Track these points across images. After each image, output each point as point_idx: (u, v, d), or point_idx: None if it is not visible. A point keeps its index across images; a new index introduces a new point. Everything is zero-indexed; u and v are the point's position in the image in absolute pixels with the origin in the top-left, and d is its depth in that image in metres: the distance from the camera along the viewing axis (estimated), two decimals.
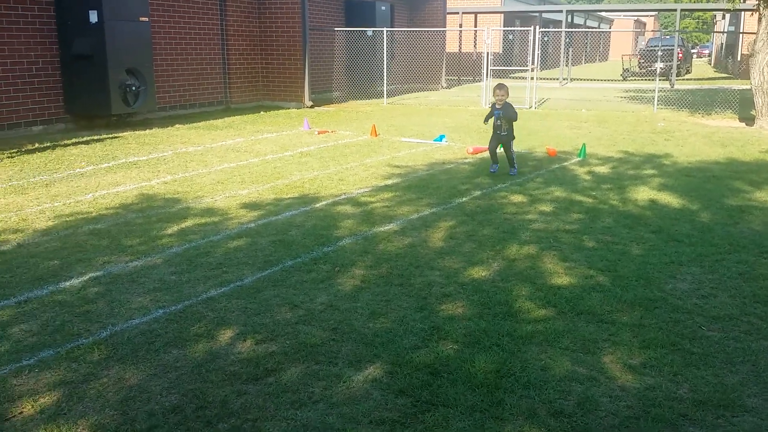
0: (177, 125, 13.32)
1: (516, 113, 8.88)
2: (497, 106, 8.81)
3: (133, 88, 12.61)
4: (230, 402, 3.28)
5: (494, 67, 19.64)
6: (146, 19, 12.81)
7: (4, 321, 4.19)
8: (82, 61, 12.06)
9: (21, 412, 3.18)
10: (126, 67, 12.41)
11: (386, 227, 6.30)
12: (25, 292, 4.66)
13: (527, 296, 4.62)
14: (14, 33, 11.35)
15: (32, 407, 3.22)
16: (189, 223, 6.43)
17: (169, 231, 6.16)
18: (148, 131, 12.40)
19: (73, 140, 11.09)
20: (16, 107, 11.55)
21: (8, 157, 9.53)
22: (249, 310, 4.38)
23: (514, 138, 8.99)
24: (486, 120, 9.04)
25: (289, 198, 7.45)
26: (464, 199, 7.47)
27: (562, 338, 3.98)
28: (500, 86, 8.75)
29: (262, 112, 16.17)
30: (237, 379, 3.49)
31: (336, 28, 20.18)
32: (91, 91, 12.15)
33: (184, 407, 3.23)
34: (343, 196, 7.54)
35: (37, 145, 10.47)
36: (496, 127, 8.89)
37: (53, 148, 10.39)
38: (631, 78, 31.94)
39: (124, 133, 11.98)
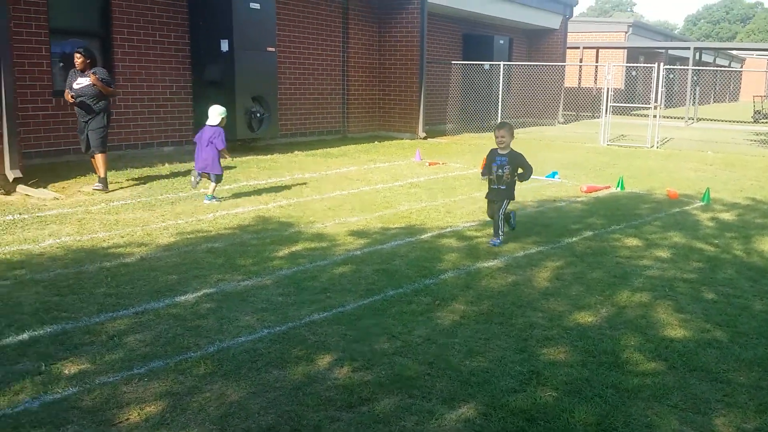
0: (296, 152, 13.82)
1: (530, 166, 6.89)
2: (499, 152, 6.85)
3: (258, 114, 13.26)
4: (323, 427, 3.32)
5: (615, 104, 19.07)
6: (273, 49, 13.45)
7: (121, 330, 4.47)
8: (212, 87, 12.81)
9: (128, 419, 3.36)
10: (252, 94, 13.06)
11: (490, 263, 6.22)
12: (143, 304, 4.96)
13: (636, 347, 4.40)
14: (151, 58, 12.24)
15: (138, 415, 3.40)
16: (299, 246, 6.63)
17: (280, 253, 6.37)
18: (269, 156, 12.94)
19: None
20: (149, 128, 12.41)
21: (140, 175, 10.21)
22: (348, 336, 4.44)
23: (513, 199, 6.98)
24: (484, 173, 6.99)
25: (395, 228, 7.52)
26: (574, 239, 7.25)
27: (671, 395, 3.75)
28: (502, 125, 6.93)
29: (376, 142, 16.49)
30: (332, 405, 3.54)
31: (453, 61, 20.35)
32: None
33: (280, 428, 3.30)
34: (448, 229, 7.52)
35: (166, 164, 11.17)
36: (493, 181, 6.86)
37: (181, 168, 11.05)
38: (762, 120, 30.05)
39: (247, 158, 12.57)
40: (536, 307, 5.09)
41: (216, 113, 8.75)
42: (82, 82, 8.94)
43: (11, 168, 8.90)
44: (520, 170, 6.88)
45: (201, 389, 3.68)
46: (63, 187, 9.09)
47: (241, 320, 4.69)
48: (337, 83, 16.90)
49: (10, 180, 8.88)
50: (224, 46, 12.56)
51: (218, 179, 8.69)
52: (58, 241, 6.57)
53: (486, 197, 7.04)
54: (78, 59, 8.96)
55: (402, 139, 17.61)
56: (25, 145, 9.91)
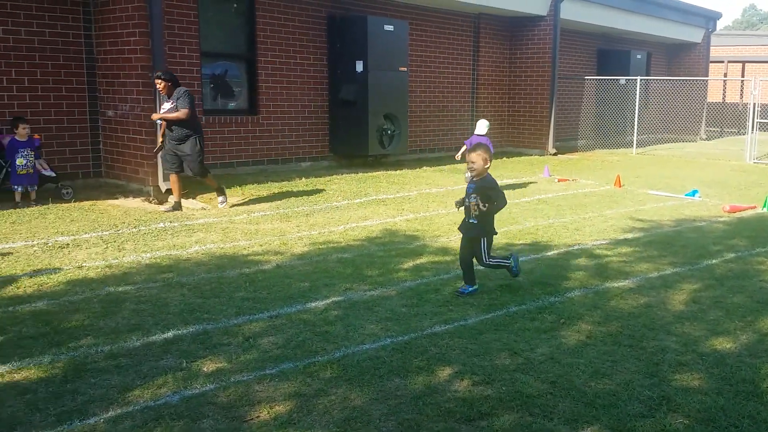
0: (425, 167, 14.01)
1: (502, 198, 5.59)
2: (473, 178, 5.70)
3: (389, 132, 13.62)
4: None
5: (762, 120, 17.76)
6: (405, 69, 13.77)
7: (256, 332, 4.75)
8: (347, 106, 13.31)
9: (258, 416, 3.58)
10: (384, 112, 13.45)
11: (620, 283, 6.01)
12: (277, 308, 5.24)
13: None
14: (292, 79, 12.90)
15: (268, 413, 3.61)
16: (424, 260, 6.73)
17: (405, 266, 6.50)
18: (398, 171, 13.21)
19: (334, 176, 12.20)
20: (289, 144, 13.06)
21: (278, 188, 10.77)
22: (469, 350, 4.46)
23: (490, 235, 5.67)
24: (458, 203, 5.85)
25: (520, 244, 7.45)
26: (714, 261, 6.85)
27: None
28: (475, 146, 5.64)
29: (504, 158, 16.36)
30: (451, 417, 3.58)
31: (586, 77, 19.81)
32: (353, 133, 13.35)
33: None
34: (576, 247, 7.34)
35: (303, 179, 11.71)
36: (467, 212, 5.73)
37: (316, 182, 11.53)
38: None
39: (378, 173, 12.90)
40: (670, 331, 4.86)
41: (484, 125, 10.24)
42: (166, 107, 8.86)
43: (164, 179, 9.69)
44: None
45: (327, 392, 3.85)
46: (210, 199, 9.76)
47: (366, 328, 4.85)
48: (466, 100, 16.96)
49: (163, 191, 9.67)
50: (359, 66, 13.02)
51: None
52: (203, 248, 7.08)
53: (459, 228, 5.95)
54: (159, 85, 8.83)
55: (531, 155, 17.35)
56: None
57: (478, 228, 5.58)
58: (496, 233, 5.79)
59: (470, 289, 5.62)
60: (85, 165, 10.62)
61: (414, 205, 9.80)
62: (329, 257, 6.79)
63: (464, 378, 4.05)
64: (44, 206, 8.86)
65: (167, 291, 5.63)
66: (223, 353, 4.37)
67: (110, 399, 3.72)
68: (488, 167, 5.58)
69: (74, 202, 9.21)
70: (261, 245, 7.23)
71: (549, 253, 7.04)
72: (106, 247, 6.99)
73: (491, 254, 5.68)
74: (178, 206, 9.07)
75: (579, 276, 6.21)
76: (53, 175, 9.29)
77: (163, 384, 3.92)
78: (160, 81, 8.77)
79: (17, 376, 3.97)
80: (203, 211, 9.07)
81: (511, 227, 8.31)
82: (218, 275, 6.10)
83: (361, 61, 12.96)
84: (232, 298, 5.46)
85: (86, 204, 9.12)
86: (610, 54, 20.82)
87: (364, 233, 7.89)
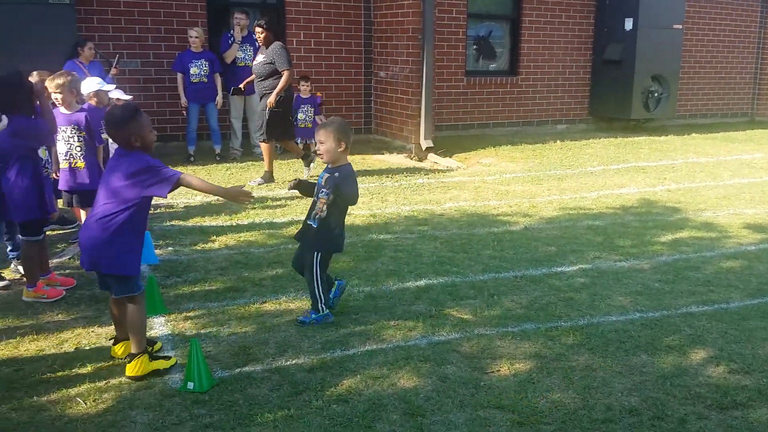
0: (693, 134, 12.88)
1: (352, 194, 4.20)
2: (324, 161, 4.31)
3: (656, 94, 12.73)
4: (689, 422, 3.22)
5: None
6: (680, 26, 12.67)
7: (501, 290, 4.89)
8: (610, 66, 12.68)
9: (498, 371, 3.72)
10: (652, 73, 12.58)
11: None
12: (523, 270, 5.32)
13: None
14: (555, 39, 12.58)
15: (508, 369, 3.74)
16: (684, 234, 6.30)
17: (662, 239, 6.15)
18: (662, 138, 12.33)
19: (591, 140, 11.78)
20: (546, 106, 12.85)
21: (532, 150, 10.72)
22: (728, 336, 4.15)
23: (328, 249, 4.29)
24: (294, 186, 4.40)
25: None
26: None
27: None
28: (324, 124, 4.28)
29: None
30: (700, 402, 3.40)
31: None
32: (615, 95, 12.70)
33: (642, 412, 3.31)
34: None
35: (558, 141, 11.49)
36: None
37: (571, 146, 11.24)
38: None
39: (639, 138, 12.17)
40: None
41: None
42: (259, 59, 8.04)
43: (425, 138, 10.18)
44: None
45: (567, 358, 3.87)
46: (465, 158, 10.05)
47: (614, 299, 4.73)
48: (748, 61, 15.10)
49: (423, 149, 10.17)
50: (628, 24, 12.29)
51: None
52: (456, 204, 7.37)
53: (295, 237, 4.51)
54: (260, 35, 7.90)
55: None
56: (438, 118, 11.16)
57: (314, 236, 4.20)
58: (329, 248, 4.29)
59: (313, 317, 4.24)
60: (358, 122, 11.53)
61: (677, 174, 9.12)
62: (579, 223, 6.66)
63: (720, 364, 3.79)
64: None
65: (422, 242, 6.00)
66: (468, 306, 4.59)
67: (367, 335, 4.14)
68: (343, 150, 4.15)
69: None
70: (510, 206, 7.32)
71: None
72: (372, 198, 7.61)
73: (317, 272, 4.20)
74: (269, 177, 8.20)
75: None
76: None
77: (413, 327, 4.24)
78: (261, 30, 7.88)
79: (291, 306, 4.57)
80: (458, 170, 9.38)
81: None
82: (468, 232, 6.33)
83: (631, 19, 12.21)
84: (479, 255, 5.66)
85: (356, 158, 9.94)
86: None
87: (619, 201, 7.57)
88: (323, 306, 4.26)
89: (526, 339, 4.10)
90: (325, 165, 4.30)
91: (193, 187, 3.69)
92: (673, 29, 12.59)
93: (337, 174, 4.14)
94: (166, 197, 3.74)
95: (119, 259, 3.55)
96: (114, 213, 3.50)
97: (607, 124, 13.30)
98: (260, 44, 8.06)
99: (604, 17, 12.75)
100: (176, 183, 3.53)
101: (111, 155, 4.12)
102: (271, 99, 7.86)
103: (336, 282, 4.44)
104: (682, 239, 6.15)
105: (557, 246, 5.92)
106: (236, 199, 3.86)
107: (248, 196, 3.78)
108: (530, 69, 12.48)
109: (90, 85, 6.11)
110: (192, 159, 9.18)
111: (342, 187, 4.12)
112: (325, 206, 4.14)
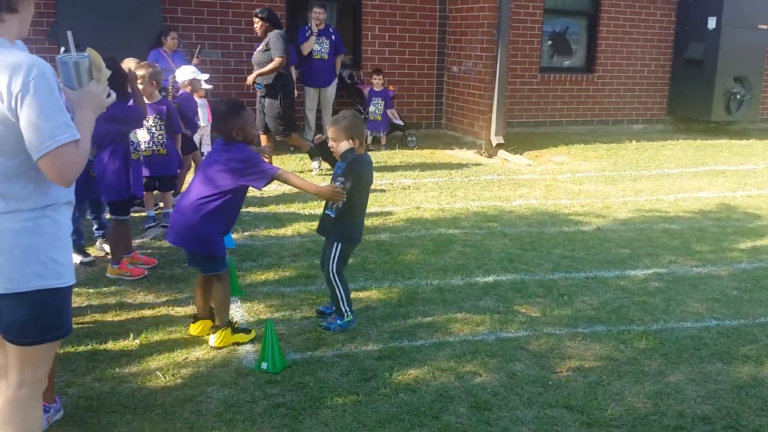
0: None
1: (359, 179, 3.99)
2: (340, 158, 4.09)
3: (738, 96, 12.26)
4: None
5: None
6: (766, 27, 12.16)
7: (571, 290, 4.83)
8: (691, 65, 12.27)
9: (567, 371, 3.69)
10: (734, 74, 12.13)
11: None
12: (594, 271, 5.25)
13: None
14: (634, 36, 12.26)
15: (577, 370, 3.70)
16: (764, 242, 6.08)
17: (742, 246, 5.95)
18: (744, 141, 11.87)
19: (668, 141, 11.44)
20: (622, 105, 12.55)
21: (606, 150, 10.49)
22: None
23: (349, 242, 4.13)
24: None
25: None
26: None
27: None
28: (336, 119, 4.05)
29: None
30: None
31: None
32: (695, 96, 12.30)
33: (715, 421, 3.23)
34: None
35: (633, 142, 11.21)
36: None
37: (648, 146, 10.95)
38: None
39: (719, 141, 11.75)
40: None
41: None
42: (258, 49, 8.08)
43: (495, 134, 10.11)
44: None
45: (639, 362, 3.81)
46: (536, 155, 9.94)
47: (689, 306, 4.61)
48: None
49: (493, 145, 10.11)
50: (711, 23, 11.87)
51: None
52: (526, 202, 7.31)
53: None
54: (256, 24, 7.97)
55: None
56: (510, 114, 11.07)
57: (333, 225, 4.07)
58: (350, 240, 4.15)
59: (338, 323, 4.06)
60: (428, 116, 11.55)
61: (759, 180, 8.77)
62: (654, 226, 6.50)
63: None
64: (392, 151, 9.91)
65: (490, 238, 5.98)
66: (537, 304, 4.56)
67: (435, 327, 4.17)
68: (357, 146, 3.98)
69: (417, 149, 10.13)
70: (583, 206, 7.21)
71: None
72: (441, 192, 7.62)
73: (335, 263, 4.05)
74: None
75: None
76: (401, 123, 10.29)
77: (481, 322, 4.25)
78: (257, 20, 7.91)
79: (361, 295, 4.65)
80: (529, 167, 9.28)
81: None
82: (538, 230, 6.27)
83: (715, 17, 11.79)
84: (550, 254, 5.60)
85: (426, 152, 9.97)
86: None
87: (697, 205, 7.34)
88: (346, 307, 4.05)
89: (596, 341, 4.05)
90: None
91: (290, 183, 3.81)
92: (758, 29, 12.09)
93: (350, 161, 3.94)
94: (260, 190, 3.88)
95: (209, 240, 3.74)
96: (208, 198, 3.68)
97: (686, 125, 12.89)
98: (259, 34, 8.10)
99: (686, 15, 12.35)
100: (273, 177, 3.67)
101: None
102: (251, 77, 7.97)
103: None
104: (762, 247, 5.93)
105: (631, 248, 5.81)
106: (330, 197, 3.93)
107: (341, 194, 3.86)
108: (607, 66, 12.21)
109: (185, 73, 6.38)
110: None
111: (353, 167, 3.92)
112: (342, 194, 3.90)
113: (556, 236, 6.09)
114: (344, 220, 4.04)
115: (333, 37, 9.54)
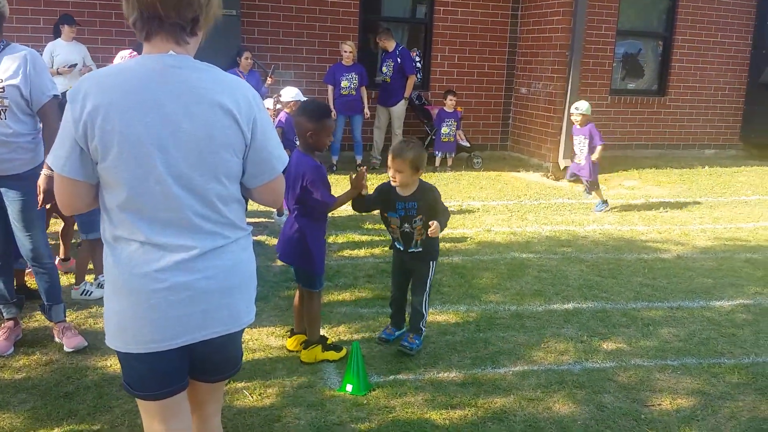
0: None
1: (446, 209, 3.99)
2: (399, 193, 3.95)
3: None
4: None
5: None
6: None
7: (655, 320, 4.70)
8: (767, 90, 11.89)
9: (660, 405, 3.58)
10: None
11: None
12: (678, 300, 5.10)
13: None
14: (708, 59, 11.93)
15: (670, 404, 3.58)
16: None
17: None
18: None
19: (743, 167, 11.08)
20: (695, 129, 12.21)
21: (678, 175, 10.23)
22: None
23: (437, 258, 4.15)
24: (388, 224, 4.10)
25: None
26: None
27: None
28: (401, 150, 3.85)
29: None
30: None
31: None
32: None
33: None
34: None
35: (706, 167, 10.89)
36: (398, 242, 4.12)
37: (721, 172, 10.62)
38: None
39: None
40: None
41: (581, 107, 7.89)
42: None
43: (564, 157, 9.97)
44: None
45: (733, 397, 3.67)
46: (605, 179, 9.73)
47: None
48: None
49: (561, 168, 9.96)
50: None
51: None
52: (600, 227, 7.17)
53: (392, 271, 4.34)
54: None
55: None
56: None
57: (423, 255, 4.06)
58: (437, 257, 4.21)
59: (417, 342, 4.08)
60: (494, 138, 11.49)
61: None
62: (736, 255, 6.29)
63: None
64: (458, 172, 9.88)
65: (566, 264, 5.88)
66: (622, 335, 4.45)
67: (517, 354, 4.11)
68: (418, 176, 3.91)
69: (482, 171, 10.07)
70: (660, 232, 7.02)
71: None
72: (511, 216, 7.55)
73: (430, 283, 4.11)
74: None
75: None
76: (468, 145, 10.25)
77: (564, 351, 4.17)
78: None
79: (439, 318, 4.62)
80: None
81: None
82: (616, 256, 6.14)
83: None
84: (629, 282, 5.47)
85: (492, 174, 9.91)
86: None
87: None
88: (424, 325, 4.13)
89: (687, 374, 3.92)
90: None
91: (337, 207, 3.96)
92: None
93: (419, 197, 3.91)
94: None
95: (305, 256, 3.84)
96: (295, 214, 3.81)
97: (759, 151, 12.45)
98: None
99: (763, 38, 11.99)
100: (329, 209, 3.89)
101: None
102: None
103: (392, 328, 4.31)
104: None
105: (714, 278, 5.62)
106: (357, 188, 3.89)
107: (360, 178, 3.85)
108: (680, 89, 11.93)
109: (290, 93, 6.60)
110: (335, 168, 9.49)
111: (433, 194, 3.94)
112: (422, 231, 3.91)
113: (634, 263, 5.95)
114: (429, 248, 4.08)
115: (399, 59, 9.63)
